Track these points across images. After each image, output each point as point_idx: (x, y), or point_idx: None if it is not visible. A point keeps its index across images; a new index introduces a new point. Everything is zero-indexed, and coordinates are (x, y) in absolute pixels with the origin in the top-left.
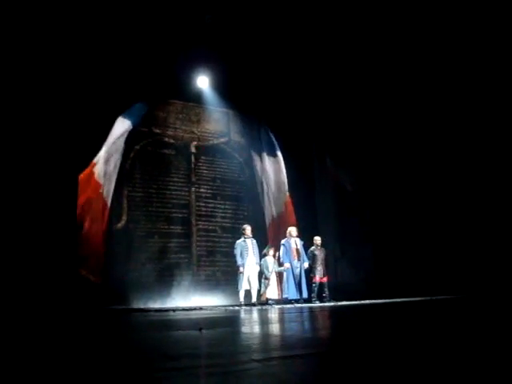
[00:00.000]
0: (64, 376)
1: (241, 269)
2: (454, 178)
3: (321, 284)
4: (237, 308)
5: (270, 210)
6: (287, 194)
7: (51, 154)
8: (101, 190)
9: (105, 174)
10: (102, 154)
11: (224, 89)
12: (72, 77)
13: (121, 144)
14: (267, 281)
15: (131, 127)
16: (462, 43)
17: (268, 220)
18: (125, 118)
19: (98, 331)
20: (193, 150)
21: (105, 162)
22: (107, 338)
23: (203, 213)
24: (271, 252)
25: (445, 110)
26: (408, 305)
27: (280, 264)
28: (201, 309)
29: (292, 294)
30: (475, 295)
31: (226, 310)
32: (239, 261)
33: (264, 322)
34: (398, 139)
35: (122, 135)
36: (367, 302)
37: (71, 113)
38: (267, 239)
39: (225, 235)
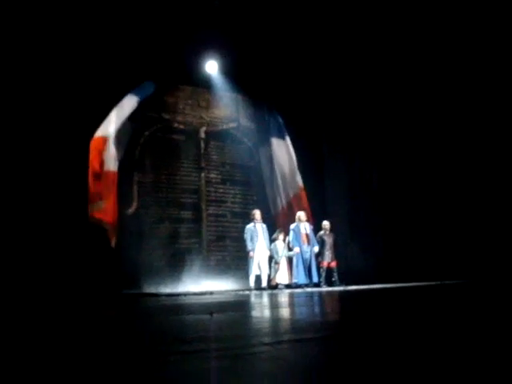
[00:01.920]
0: (83, 357)
1: (251, 253)
2: (464, 163)
3: (329, 269)
4: (247, 292)
5: (280, 194)
6: (299, 178)
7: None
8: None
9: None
10: (110, 130)
11: (233, 73)
12: (78, 59)
13: (129, 127)
14: (277, 265)
15: (138, 103)
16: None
17: (277, 205)
18: (133, 95)
19: (113, 316)
20: (202, 135)
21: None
22: (122, 323)
23: (213, 198)
24: (281, 237)
25: (453, 102)
26: (417, 289)
27: (290, 249)
28: (211, 293)
29: (301, 278)
30: (483, 280)
31: (236, 294)
32: (249, 245)
33: (274, 306)
34: (408, 123)
35: (130, 112)
36: (376, 286)
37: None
38: (277, 224)
39: (235, 220)
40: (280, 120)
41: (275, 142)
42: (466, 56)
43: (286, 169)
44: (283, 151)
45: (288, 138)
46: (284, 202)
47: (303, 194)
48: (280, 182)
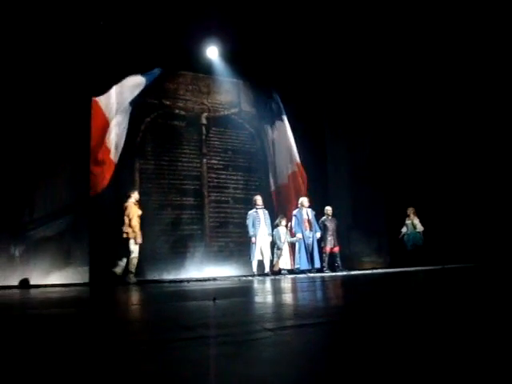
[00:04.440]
0: (86, 344)
1: (253, 239)
2: (469, 146)
3: (332, 254)
4: (250, 278)
5: (280, 178)
6: (298, 162)
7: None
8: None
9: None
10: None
11: (234, 59)
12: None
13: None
14: (280, 251)
15: (144, 83)
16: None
17: (275, 189)
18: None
19: (116, 303)
20: (203, 121)
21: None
22: (124, 310)
23: (215, 184)
24: (283, 222)
25: (456, 84)
26: (419, 273)
27: (292, 234)
28: (214, 279)
29: (304, 264)
30: (489, 264)
31: (239, 280)
32: (251, 231)
33: (277, 291)
34: (412, 105)
35: (133, 90)
36: (379, 271)
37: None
38: (273, 208)
39: (237, 206)
40: (281, 105)
41: (276, 127)
42: (462, 41)
43: (288, 153)
44: (284, 136)
45: (289, 123)
46: (283, 185)
47: (302, 170)
48: (281, 165)
